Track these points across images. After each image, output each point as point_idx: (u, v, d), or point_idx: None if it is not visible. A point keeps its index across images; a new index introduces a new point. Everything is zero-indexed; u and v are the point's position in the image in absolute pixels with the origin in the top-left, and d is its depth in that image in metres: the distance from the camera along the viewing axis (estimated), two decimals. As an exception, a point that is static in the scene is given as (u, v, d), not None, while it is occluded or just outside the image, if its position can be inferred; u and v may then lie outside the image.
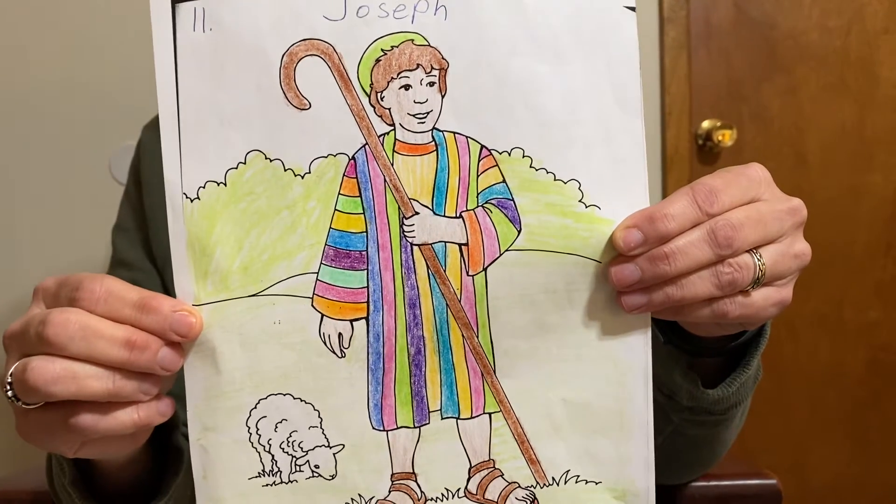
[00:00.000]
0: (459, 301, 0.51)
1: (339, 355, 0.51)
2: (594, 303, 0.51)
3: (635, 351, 0.52)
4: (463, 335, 0.51)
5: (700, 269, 0.48)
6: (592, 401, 0.53)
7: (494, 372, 0.52)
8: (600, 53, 0.52)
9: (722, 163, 1.65)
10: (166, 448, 0.61)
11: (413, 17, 0.50)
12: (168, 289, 0.79)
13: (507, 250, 0.51)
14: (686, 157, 1.59)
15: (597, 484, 0.53)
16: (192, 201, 0.50)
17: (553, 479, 0.53)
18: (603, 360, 0.52)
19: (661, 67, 1.56)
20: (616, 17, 0.52)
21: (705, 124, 1.63)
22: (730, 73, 1.65)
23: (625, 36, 0.52)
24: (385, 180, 0.51)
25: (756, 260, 0.49)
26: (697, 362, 0.63)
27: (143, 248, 0.85)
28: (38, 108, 1.50)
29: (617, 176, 0.52)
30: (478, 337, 0.52)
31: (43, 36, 1.48)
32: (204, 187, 0.50)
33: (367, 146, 0.51)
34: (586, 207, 0.51)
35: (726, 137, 1.60)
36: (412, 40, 0.50)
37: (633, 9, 0.52)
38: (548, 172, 0.51)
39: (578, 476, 0.53)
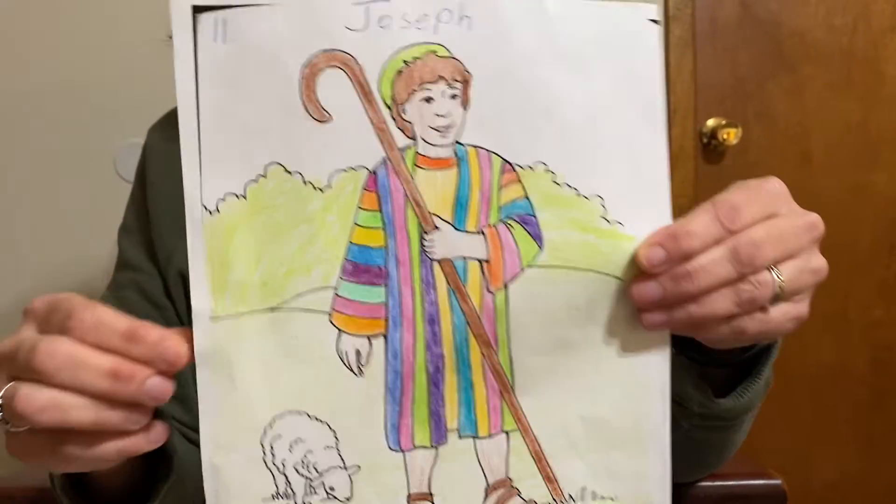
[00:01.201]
0: (479, 318, 0.51)
1: (357, 373, 0.50)
2: (614, 319, 0.51)
3: (654, 367, 0.52)
4: (482, 353, 0.51)
5: (721, 286, 0.48)
6: (610, 417, 0.52)
7: (513, 389, 0.52)
8: (624, 66, 0.51)
9: (727, 161, 1.66)
10: (158, 452, 0.62)
11: (436, 27, 0.49)
12: (169, 290, 0.79)
13: (528, 267, 0.50)
14: (691, 155, 1.60)
15: (613, 500, 0.53)
16: (211, 214, 0.49)
17: (570, 496, 0.53)
18: (621, 376, 0.52)
19: (665, 66, 1.55)
20: (640, 30, 0.51)
21: (710, 122, 1.63)
22: (735, 72, 1.65)
23: (649, 49, 0.51)
24: (405, 194, 0.50)
25: (775, 277, 0.49)
26: (708, 371, 0.64)
27: (146, 249, 0.85)
28: (43, 104, 1.50)
29: (640, 192, 0.51)
30: (497, 355, 0.51)
31: (47, 32, 1.49)
32: (223, 200, 0.49)
33: (387, 160, 0.50)
34: (609, 224, 0.51)
35: (731, 136, 1.60)
36: (435, 52, 0.50)
37: (657, 22, 0.51)
38: (570, 187, 0.51)
39: (595, 492, 0.53)
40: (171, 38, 0.81)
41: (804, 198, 1.73)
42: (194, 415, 0.75)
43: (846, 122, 1.70)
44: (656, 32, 0.51)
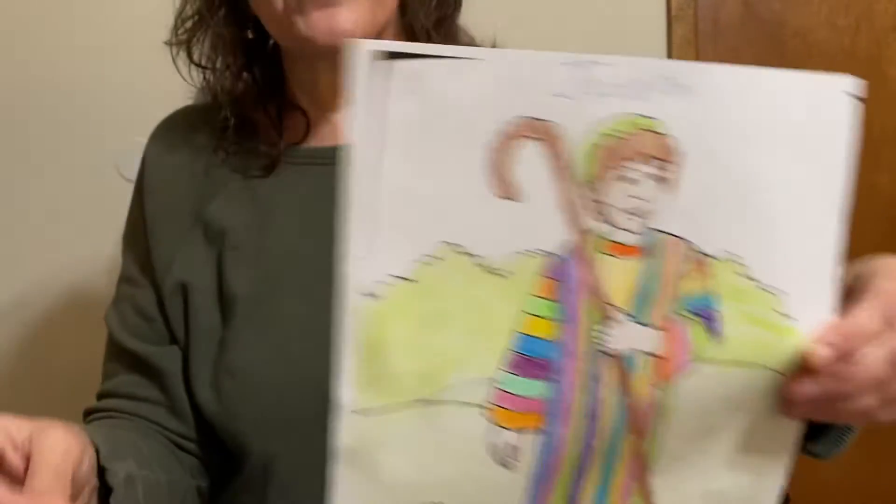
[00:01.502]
0: (641, 412, 0.48)
1: (509, 468, 0.47)
2: (759, 407, 0.49)
3: (780, 444, 0.51)
4: (633, 442, 0.48)
5: (873, 385, 0.48)
6: (730, 490, 0.51)
7: (650, 471, 0.49)
8: (821, 148, 0.47)
9: None
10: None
11: (649, 96, 0.44)
12: (164, 300, 0.79)
13: (697, 361, 0.47)
14: None
15: None
16: (369, 299, 0.44)
17: None
18: (750, 454, 0.51)
19: None
20: (837, 108, 0.48)
21: None
22: None
23: (845, 128, 0.48)
24: (586, 283, 0.45)
25: None
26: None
27: (142, 260, 0.84)
28: (46, 104, 1.50)
29: (813, 284, 0.49)
30: (646, 443, 0.49)
31: (48, 33, 1.49)
32: (387, 284, 0.44)
33: (573, 244, 0.45)
34: (780, 317, 0.48)
35: None
36: (644, 125, 0.45)
37: (855, 97, 0.47)
38: (752, 280, 0.47)
39: None
40: (170, 43, 0.82)
41: None
42: (189, 424, 0.76)
43: None
44: (853, 110, 0.47)
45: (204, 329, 0.76)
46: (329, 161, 0.75)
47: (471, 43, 0.81)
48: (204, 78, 0.82)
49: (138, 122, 1.46)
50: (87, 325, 1.54)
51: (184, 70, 0.84)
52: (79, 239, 1.54)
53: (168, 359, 0.79)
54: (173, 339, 0.79)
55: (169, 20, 1.42)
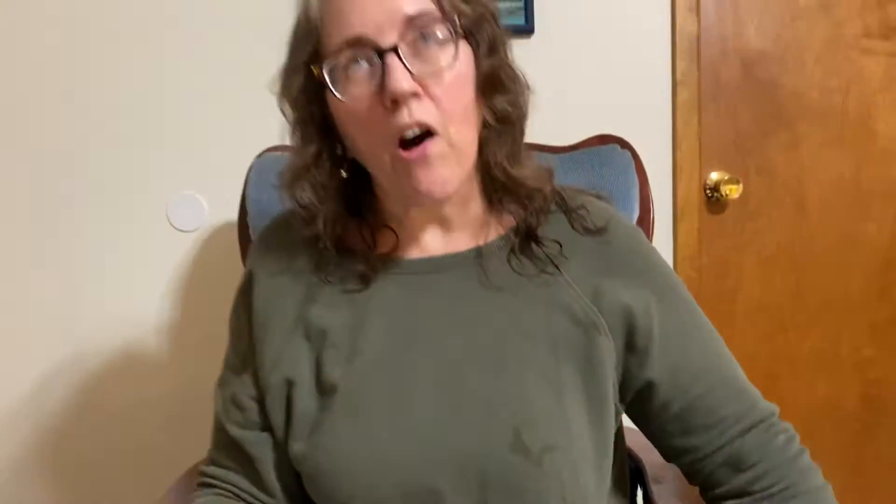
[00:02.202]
0: None
1: None
2: None
3: None
4: None
5: None
6: None
7: None
8: None
9: (728, 212, 1.74)
10: None
11: None
12: (263, 392, 0.87)
13: None
14: (695, 207, 1.68)
15: None
16: None
17: None
18: None
19: (673, 127, 1.65)
20: None
21: (714, 176, 1.71)
22: (737, 129, 1.72)
23: None
24: None
25: None
26: None
27: (243, 355, 0.92)
28: (105, 158, 1.59)
29: None
30: None
31: (107, 93, 1.57)
32: None
33: None
34: None
35: (733, 192, 1.69)
36: None
37: None
38: None
39: None
40: (278, 186, 0.87)
41: (801, 246, 1.88)
42: (279, 499, 0.89)
43: (839, 175, 1.76)
44: None
45: (302, 413, 0.84)
46: (415, 271, 0.87)
47: (538, 169, 0.89)
48: (307, 213, 0.87)
49: (187, 174, 1.58)
50: (134, 375, 1.65)
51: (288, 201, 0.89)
52: (130, 284, 1.62)
53: (259, 446, 0.89)
54: (265, 427, 0.89)
55: (212, 84, 1.54)
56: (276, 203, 1.26)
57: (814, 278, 1.79)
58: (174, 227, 1.60)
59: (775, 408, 0.90)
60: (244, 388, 0.91)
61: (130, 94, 1.58)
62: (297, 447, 0.83)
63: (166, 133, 1.59)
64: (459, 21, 0.79)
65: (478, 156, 0.85)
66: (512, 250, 0.88)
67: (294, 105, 0.84)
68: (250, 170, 1.32)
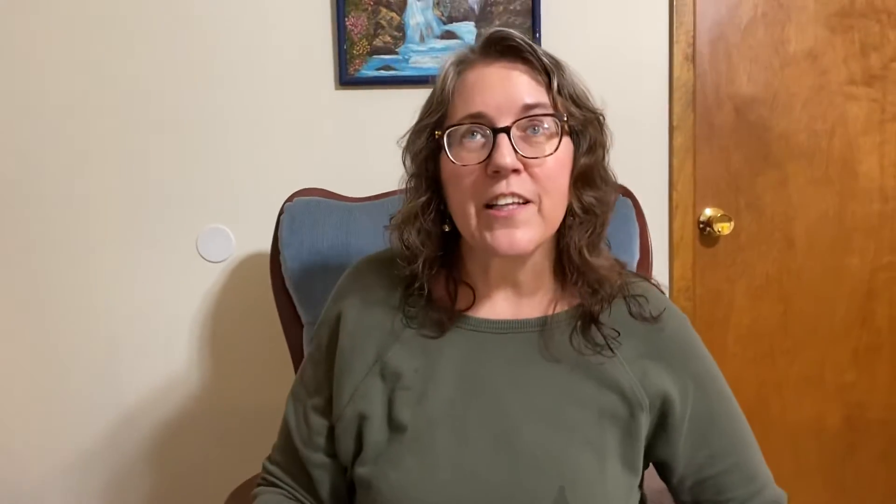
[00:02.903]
0: None
1: None
2: None
3: None
4: None
5: None
6: None
7: None
8: None
9: (721, 246, 1.84)
10: None
11: None
12: (336, 423, 0.95)
13: None
14: (690, 243, 1.78)
15: None
16: None
17: None
18: None
19: (669, 168, 1.74)
20: None
21: (708, 212, 1.81)
22: (729, 168, 1.81)
23: None
24: None
25: None
26: None
27: (319, 379, 1.01)
28: (138, 192, 1.68)
29: None
30: None
31: (140, 125, 1.66)
32: None
33: None
34: None
35: (725, 229, 1.79)
36: None
37: None
38: None
39: None
40: (388, 228, 0.95)
41: (788, 277, 2.01)
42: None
43: (824, 212, 1.85)
44: None
45: (373, 443, 0.92)
46: (485, 330, 0.96)
47: (612, 261, 0.97)
48: (410, 254, 0.96)
49: (216, 209, 1.69)
50: (165, 399, 1.74)
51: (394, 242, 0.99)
52: (162, 313, 1.71)
53: (319, 469, 0.99)
54: (328, 451, 0.98)
55: (241, 126, 1.64)
56: (308, 246, 1.38)
57: (800, 307, 1.89)
58: (203, 258, 1.70)
59: (783, 495, 1.00)
60: (315, 409, 1.00)
61: (165, 134, 1.67)
62: (362, 471, 0.92)
63: (196, 171, 1.68)
64: (567, 120, 0.90)
65: (558, 237, 0.95)
66: (574, 329, 0.95)
67: (414, 160, 0.95)
68: (282, 212, 1.42)
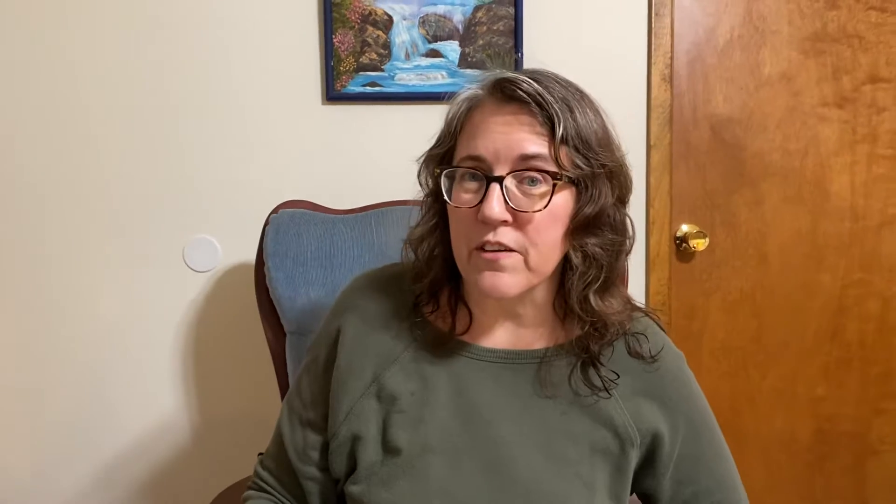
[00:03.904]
0: None
1: None
2: None
3: None
4: None
5: None
6: None
7: None
8: None
9: (696, 261, 1.89)
10: None
11: None
12: (330, 441, 0.96)
13: None
14: (666, 258, 1.82)
15: None
16: None
17: None
18: None
19: (647, 186, 1.79)
20: None
21: (684, 228, 1.85)
22: (705, 186, 1.86)
23: None
24: None
25: None
26: None
27: (315, 394, 1.01)
28: (124, 203, 1.70)
29: None
30: None
31: (127, 135, 1.69)
32: None
33: None
34: None
35: (700, 245, 1.83)
36: None
37: None
38: None
39: None
40: (405, 241, 0.98)
41: (762, 293, 2.05)
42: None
43: (797, 230, 1.89)
44: None
45: (366, 463, 0.94)
46: (483, 359, 0.97)
47: (622, 306, 0.95)
48: (418, 266, 0.99)
49: (202, 220, 1.71)
50: (149, 404, 1.76)
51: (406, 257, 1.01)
52: (149, 323, 1.73)
53: (310, 482, 1.01)
54: (320, 465, 1.00)
55: (226, 138, 1.67)
56: (292, 257, 1.41)
57: (773, 322, 1.94)
58: (190, 268, 1.73)
59: None
60: (309, 424, 1.02)
61: (154, 146, 1.70)
62: (355, 489, 0.94)
63: (184, 182, 1.71)
64: (566, 173, 0.87)
65: (560, 280, 0.94)
66: (574, 368, 0.95)
67: (426, 183, 0.97)
68: (267, 223, 1.46)
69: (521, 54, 1.70)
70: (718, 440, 1.01)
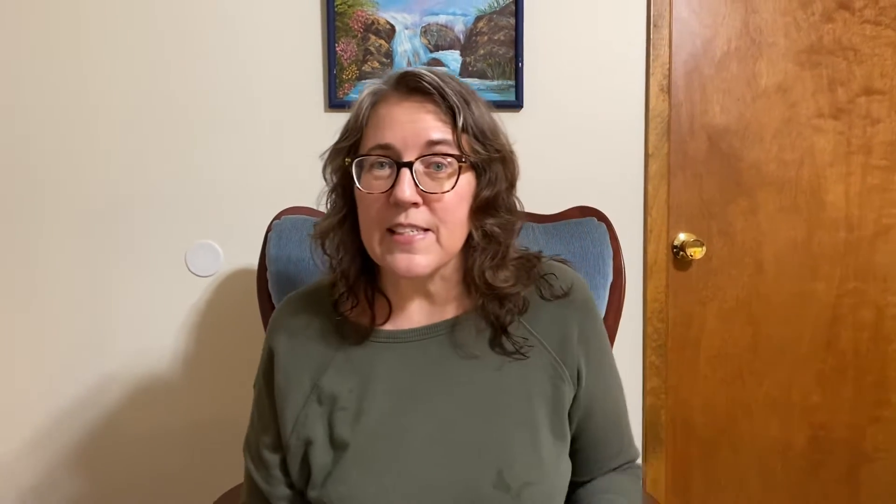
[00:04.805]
0: None
1: None
2: None
3: None
4: None
5: None
6: None
7: None
8: None
9: (693, 270, 1.91)
10: None
11: None
12: (286, 451, 1.01)
13: None
14: (664, 266, 1.84)
15: None
16: None
17: None
18: None
19: (644, 194, 1.81)
20: None
21: (681, 237, 1.87)
22: (702, 195, 1.88)
23: None
24: None
25: None
26: None
27: (265, 417, 1.06)
28: (125, 204, 1.72)
29: None
30: None
31: (132, 141, 1.70)
32: None
33: None
34: None
35: (697, 254, 1.85)
36: None
37: None
38: None
39: None
40: (312, 236, 1.02)
41: (758, 301, 2.07)
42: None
43: (793, 239, 1.92)
44: None
45: (319, 466, 0.98)
46: (406, 340, 1.03)
47: (519, 271, 1.04)
48: (330, 264, 1.04)
49: (204, 226, 1.73)
50: (150, 407, 1.78)
51: (317, 257, 1.06)
52: (151, 327, 1.75)
53: (284, 501, 1.05)
54: (287, 483, 1.04)
55: (230, 144, 1.69)
56: (294, 262, 1.42)
57: (768, 331, 1.96)
58: (192, 273, 1.75)
59: (639, 453, 1.14)
60: (267, 447, 1.06)
61: (158, 151, 1.71)
62: (314, 494, 0.98)
63: (187, 187, 1.72)
64: (468, 157, 0.96)
65: (465, 257, 1.01)
66: (491, 333, 1.02)
67: (331, 177, 1.02)
68: (269, 229, 1.47)
69: (522, 64, 1.72)
70: (615, 373, 1.10)
